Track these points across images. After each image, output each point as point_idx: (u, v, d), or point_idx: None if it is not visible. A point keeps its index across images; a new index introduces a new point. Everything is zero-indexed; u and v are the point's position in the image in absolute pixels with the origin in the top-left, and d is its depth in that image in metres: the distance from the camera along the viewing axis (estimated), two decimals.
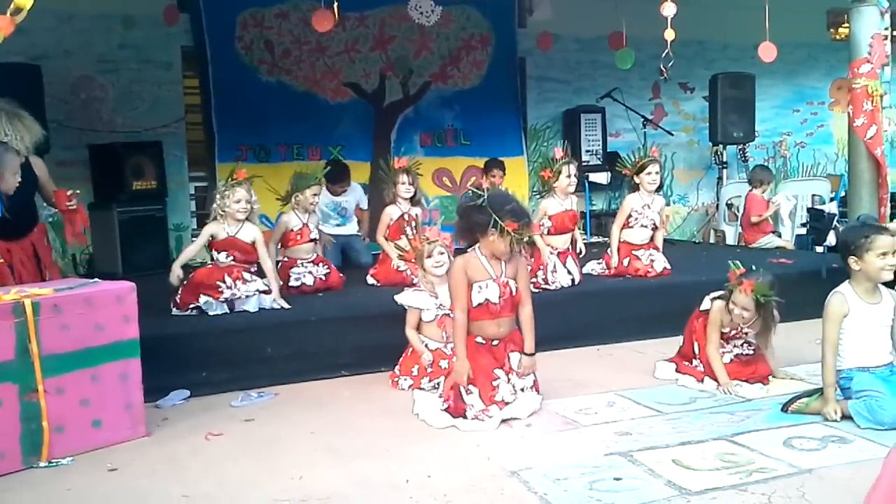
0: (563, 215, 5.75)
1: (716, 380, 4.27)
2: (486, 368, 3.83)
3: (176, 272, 4.93)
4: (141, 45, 7.49)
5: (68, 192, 4.56)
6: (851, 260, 3.65)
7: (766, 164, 9.36)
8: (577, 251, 5.86)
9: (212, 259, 5.11)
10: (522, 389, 3.90)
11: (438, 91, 8.69)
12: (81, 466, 3.41)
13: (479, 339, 3.88)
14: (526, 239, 3.92)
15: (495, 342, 3.90)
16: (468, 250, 3.93)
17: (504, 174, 7.92)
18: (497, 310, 3.85)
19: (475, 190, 3.89)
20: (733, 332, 4.32)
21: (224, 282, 4.88)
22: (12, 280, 4.23)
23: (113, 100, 7.43)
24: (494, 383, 3.81)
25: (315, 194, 5.74)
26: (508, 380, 3.87)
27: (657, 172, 5.94)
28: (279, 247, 5.76)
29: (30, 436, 3.38)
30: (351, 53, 8.29)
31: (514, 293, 3.88)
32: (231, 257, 5.01)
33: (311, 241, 5.76)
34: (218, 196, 5.08)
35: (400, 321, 4.54)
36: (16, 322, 3.34)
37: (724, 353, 4.35)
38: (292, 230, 5.71)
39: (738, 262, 4.31)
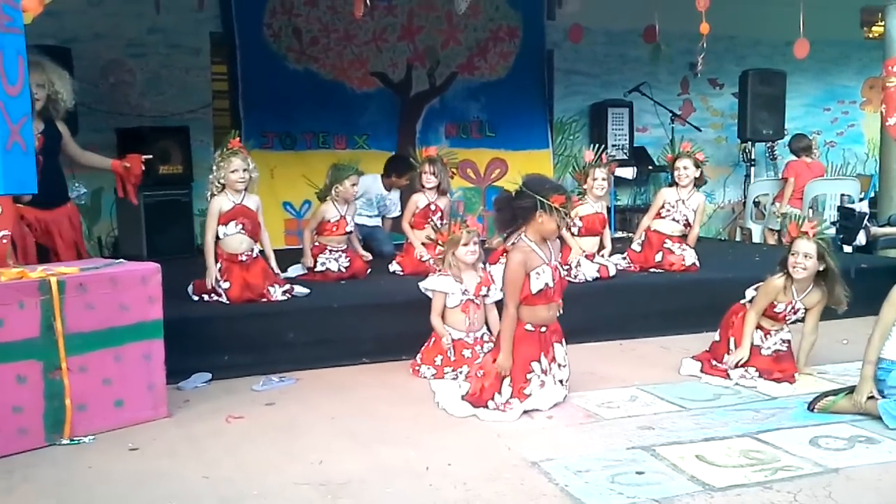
0: (594, 217, 5.76)
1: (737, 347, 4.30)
2: (524, 360, 3.79)
3: (213, 273, 4.85)
4: (170, 30, 7.52)
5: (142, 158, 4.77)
6: None
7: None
8: (601, 254, 5.82)
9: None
10: (561, 382, 3.89)
11: (465, 82, 8.66)
12: (102, 445, 3.43)
13: (528, 327, 3.82)
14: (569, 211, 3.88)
15: (543, 329, 3.85)
16: (508, 240, 3.91)
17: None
18: (552, 294, 3.82)
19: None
20: (788, 309, 4.27)
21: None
22: (52, 253, 4.35)
23: (141, 84, 7.46)
24: (528, 376, 3.78)
25: (354, 184, 5.71)
26: (549, 369, 3.85)
27: (685, 168, 5.89)
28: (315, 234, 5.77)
29: (53, 413, 3.40)
30: (378, 43, 8.27)
31: (562, 276, 3.90)
32: (241, 226, 4.90)
33: (347, 233, 5.75)
34: (214, 167, 4.97)
35: (421, 310, 4.51)
36: (41, 300, 3.35)
37: (764, 345, 4.32)
38: (329, 221, 5.69)
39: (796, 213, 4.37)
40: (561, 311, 3.93)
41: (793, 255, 4.21)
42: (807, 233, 4.19)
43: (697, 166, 5.91)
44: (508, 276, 3.78)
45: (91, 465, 3.21)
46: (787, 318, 4.33)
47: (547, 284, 3.78)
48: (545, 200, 3.70)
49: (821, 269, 4.19)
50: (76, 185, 5.24)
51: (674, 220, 5.94)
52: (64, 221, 4.49)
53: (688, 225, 5.98)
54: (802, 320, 4.37)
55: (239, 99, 7.70)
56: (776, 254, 4.68)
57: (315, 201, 6.13)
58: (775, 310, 4.29)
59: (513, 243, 3.87)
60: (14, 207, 4.14)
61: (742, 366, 4.27)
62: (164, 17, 7.42)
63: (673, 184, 6.02)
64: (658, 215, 5.99)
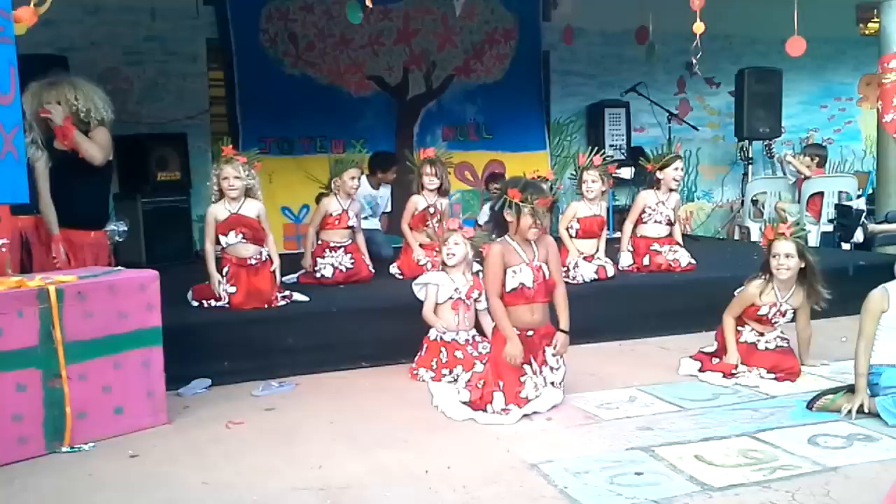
0: (592, 220, 5.76)
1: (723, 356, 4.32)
2: (515, 365, 3.78)
3: (216, 279, 4.84)
4: (167, 38, 7.55)
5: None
6: None
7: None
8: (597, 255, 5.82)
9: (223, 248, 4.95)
10: (553, 384, 3.88)
11: (461, 85, 8.69)
12: (103, 452, 3.43)
13: None
14: (539, 207, 3.78)
15: (529, 332, 3.85)
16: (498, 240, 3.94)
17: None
18: (531, 294, 3.82)
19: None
20: (773, 312, 4.28)
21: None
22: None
23: (138, 91, 7.48)
24: (522, 379, 3.78)
25: (353, 177, 5.77)
26: (541, 371, 3.85)
27: (683, 168, 5.89)
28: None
29: (52, 421, 3.41)
30: (375, 47, 8.29)
31: (546, 277, 3.88)
32: (241, 235, 4.89)
33: (348, 227, 5.76)
34: (212, 176, 5.00)
35: (420, 313, 4.53)
36: (40, 308, 3.36)
37: (761, 341, 4.33)
38: (332, 214, 5.72)
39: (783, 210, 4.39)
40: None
41: (774, 257, 4.23)
42: (783, 233, 4.23)
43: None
44: (486, 266, 3.89)
45: (91, 473, 3.22)
46: (774, 320, 4.33)
47: (523, 284, 3.80)
48: (506, 197, 3.80)
49: (802, 266, 4.22)
50: (118, 220, 4.92)
51: (656, 222, 5.96)
52: (85, 248, 4.37)
53: (670, 224, 5.99)
54: (793, 321, 4.39)
55: (236, 105, 7.74)
56: None
57: (313, 205, 6.14)
58: (759, 313, 4.30)
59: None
60: (13, 217, 4.15)
61: (746, 366, 4.28)
62: (161, 25, 7.46)
63: (651, 187, 6.01)
64: (640, 220, 5.99)
